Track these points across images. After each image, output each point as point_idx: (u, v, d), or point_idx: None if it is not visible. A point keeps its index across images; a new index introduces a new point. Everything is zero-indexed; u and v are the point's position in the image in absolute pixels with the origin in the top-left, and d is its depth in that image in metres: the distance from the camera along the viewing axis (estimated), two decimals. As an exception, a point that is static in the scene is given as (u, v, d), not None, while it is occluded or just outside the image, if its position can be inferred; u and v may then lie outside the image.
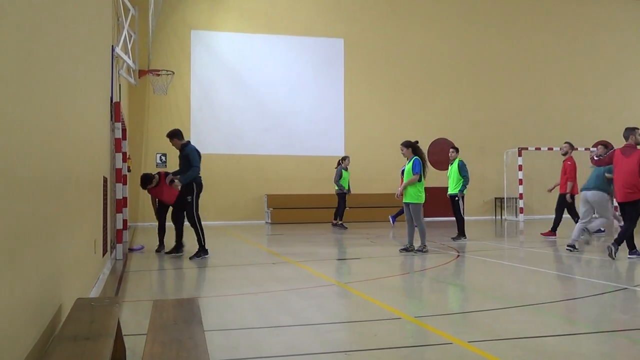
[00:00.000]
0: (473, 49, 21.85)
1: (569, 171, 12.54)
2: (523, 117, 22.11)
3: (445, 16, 21.70)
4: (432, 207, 19.53)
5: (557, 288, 6.84)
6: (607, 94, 23.06)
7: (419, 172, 9.61)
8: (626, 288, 6.40)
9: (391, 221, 16.36)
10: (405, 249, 9.92)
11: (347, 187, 15.89)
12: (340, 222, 16.00)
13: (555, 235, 12.63)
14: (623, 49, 23.39)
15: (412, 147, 9.87)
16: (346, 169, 16.06)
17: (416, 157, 9.72)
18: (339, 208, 16.07)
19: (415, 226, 9.89)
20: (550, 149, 20.39)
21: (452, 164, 12.23)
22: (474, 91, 21.75)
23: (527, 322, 4.97)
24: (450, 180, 12.15)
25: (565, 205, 12.64)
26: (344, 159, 16.25)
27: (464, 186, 11.87)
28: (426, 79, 21.39)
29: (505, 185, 20.62)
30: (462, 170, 11.95)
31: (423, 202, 9.80)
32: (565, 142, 13.13)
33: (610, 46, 23.29)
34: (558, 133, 22.08)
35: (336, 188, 15.90)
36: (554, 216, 12.84)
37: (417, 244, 9.94)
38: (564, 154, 12.89)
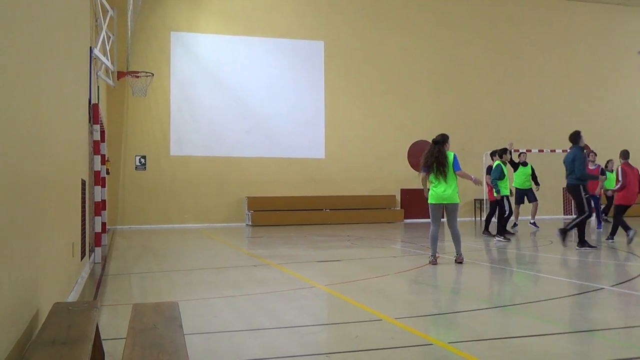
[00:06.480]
0: (451, 51, 22.04)
1: None
2: (502, 119, 22.33)
3: (424, 19, 21.85)
4: (413, 209, 19.67)
5: (536, 288, 6.92)
6: (585, 97, 23.39)
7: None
8: (603, 288, 6.50)
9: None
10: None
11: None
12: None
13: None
14: (601, 54, 23.75)
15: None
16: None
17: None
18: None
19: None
20: (528, 150, 20.57)
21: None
22: (453, 93, 21.93)
23: (506, 323, 5.02)
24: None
25: None
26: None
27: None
28: (406, 81, 21.51)
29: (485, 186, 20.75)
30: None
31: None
32: None
33: (589, 51, 23.64)
34: (536, 135, 22.36)
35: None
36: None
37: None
38: None
